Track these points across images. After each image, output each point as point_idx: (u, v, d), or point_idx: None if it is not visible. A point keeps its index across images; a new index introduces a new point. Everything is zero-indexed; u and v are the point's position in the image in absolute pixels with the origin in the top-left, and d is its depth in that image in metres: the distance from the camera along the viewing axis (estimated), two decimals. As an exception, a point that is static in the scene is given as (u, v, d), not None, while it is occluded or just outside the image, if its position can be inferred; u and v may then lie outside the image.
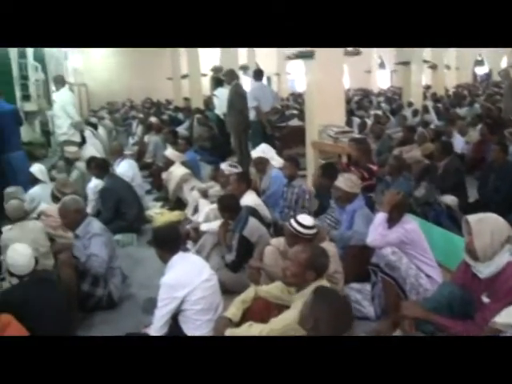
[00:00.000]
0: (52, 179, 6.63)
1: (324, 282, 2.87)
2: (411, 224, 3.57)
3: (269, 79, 21.02)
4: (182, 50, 16.42)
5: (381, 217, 3.55)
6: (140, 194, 6.54)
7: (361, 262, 3.84)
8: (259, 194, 5.59)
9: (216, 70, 11.89)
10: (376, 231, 3.50)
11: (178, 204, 6.58)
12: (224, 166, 5.88)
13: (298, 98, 19.64)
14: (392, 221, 3.55)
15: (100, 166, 6.09)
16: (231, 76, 8.30)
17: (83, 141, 7.95)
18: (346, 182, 4.21)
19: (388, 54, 27.88)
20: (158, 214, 6.37)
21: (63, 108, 7.61)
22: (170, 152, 7.18)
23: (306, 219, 3.49)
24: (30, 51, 12.08)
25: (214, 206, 4.74)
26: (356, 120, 10.59)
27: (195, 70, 15.32)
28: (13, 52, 10.76)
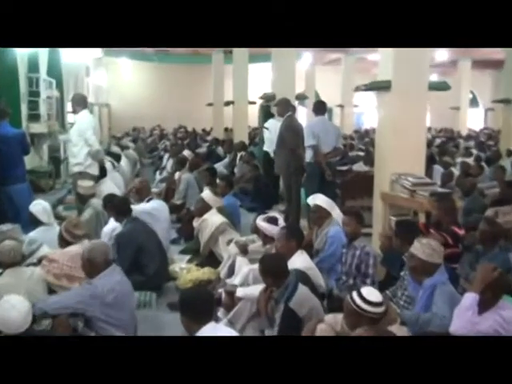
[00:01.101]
0: (58, 217, 6.72)
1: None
2: (510, 311, 3.43)
3: (330, 111, 21.11)
4: (229, 71, 16.77)
5: (470, 298, 3.44)
6: (165, 244, 6.57)
7: (440, 354, 3.70)
8: (311, 254, 5.53)
9: (267, 97, 11.98)
10: (463, 317, 3.39)
11: (210, 260, 6.57)
12: (260, 220, 5.80)
13: (364, 136, 19.77)
14: (485, 304, 3.43)
15: (119, 207, 6.18)
16: (285, 106, 8.40)
17: (101, 174, 8.07)
18: (423, 248, 4.12)
19: (483, 88, 27.76)
20: (184, 270, 6.37)
21: (81, 134, 7.68)
22: (207, 195, 7.18)
23: (372, 294, 3.42)
24: (43, 64, 11.88)
25: (255, 266, 4.69)
26: (438, 169, 10.47)
27: (242, 97, 15.59)
28: (22, 65, 10.49)
